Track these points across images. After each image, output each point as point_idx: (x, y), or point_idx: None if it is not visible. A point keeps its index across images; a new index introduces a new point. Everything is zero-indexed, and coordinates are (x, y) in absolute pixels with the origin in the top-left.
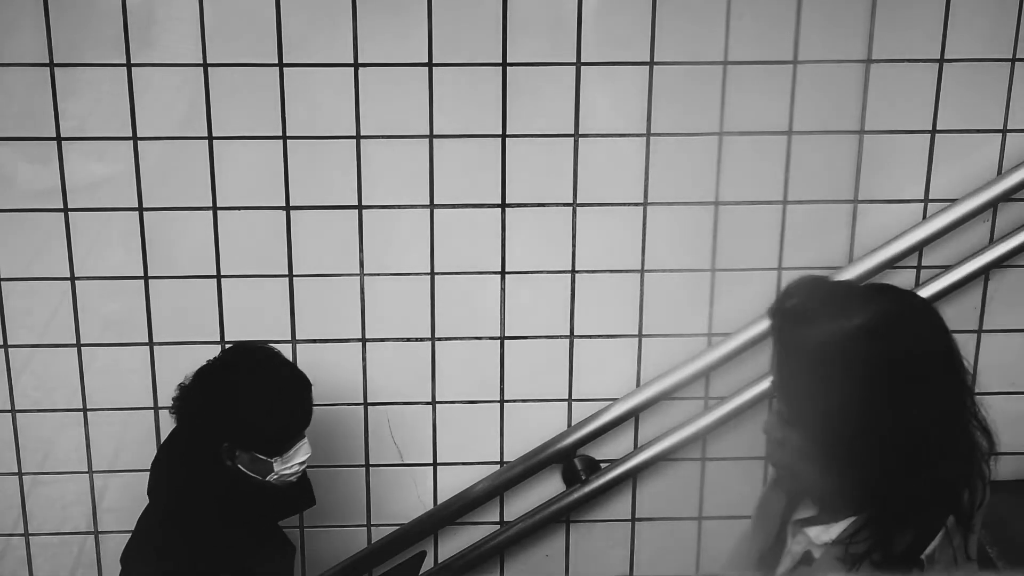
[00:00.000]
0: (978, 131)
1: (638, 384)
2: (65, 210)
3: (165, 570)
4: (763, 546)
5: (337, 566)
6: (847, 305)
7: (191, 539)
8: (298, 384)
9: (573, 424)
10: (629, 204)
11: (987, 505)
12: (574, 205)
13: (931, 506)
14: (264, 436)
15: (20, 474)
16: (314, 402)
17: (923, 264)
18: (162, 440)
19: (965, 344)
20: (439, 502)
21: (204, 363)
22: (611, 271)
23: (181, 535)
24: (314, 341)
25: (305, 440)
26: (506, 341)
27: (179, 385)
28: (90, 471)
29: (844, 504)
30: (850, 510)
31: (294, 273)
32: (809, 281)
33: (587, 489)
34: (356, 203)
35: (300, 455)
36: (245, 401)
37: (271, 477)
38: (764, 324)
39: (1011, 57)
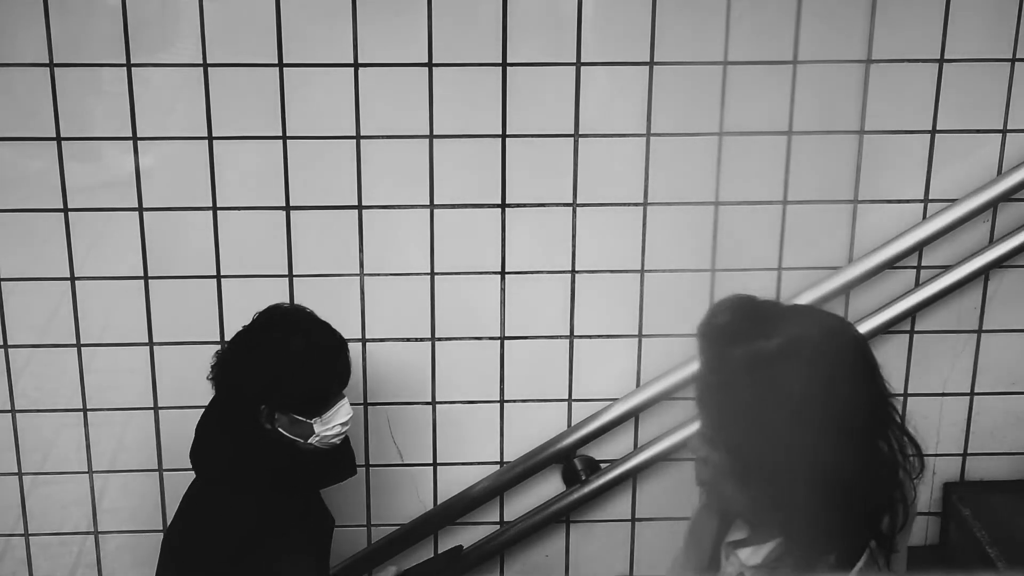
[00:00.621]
0: (978, 131)
1: (638, 384)
2: (65, 210)
3: (211, 536)
4: (697, 567)
5: (337, 566)
6: (768, 326)
7: (235, 504)
8: (333, 343)
9: (573, 424)
10: (629, 204)
11: (910, 526)
12: (574, 205)
13: (850, 531)
14: (300, 396)
15: (20, 474)
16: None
17: (923, 264)
18: (162, 441)
19: (965, 344)
20: (439, 502)
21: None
22: (611, 271)
23: (226, 501)
24: None
25: (345, 401)
26: (506, 341)
27: (215, 352)
28: (90, 471)
29: (767, 526)
30: (774, 532)
31: (294, 273)
32: (736, 300)
33: (587, 489)
34: (356, 203)
35: (340, 416)
36: (279, 361)
37: (313, 440)
38: None
39: (1011, 57)
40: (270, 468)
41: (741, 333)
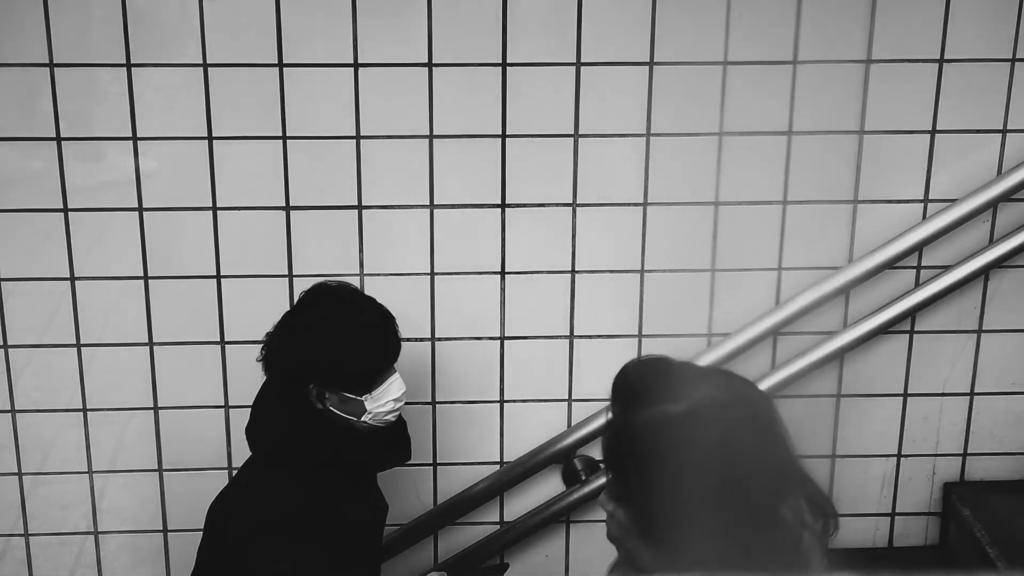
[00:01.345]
0: (978, 131)
1: None
2: (65, 210)
3: (263, 518)
4: None
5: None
6: (677, 389)
7: (284, 480)
8: (378, 318)
9: (573, 424)
10: (629, 204)
11: None
12: (574, 205)
13: None
14: (348, 374)
15: (20, 474)
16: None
17: (923, 264)
18: (162, 441)
19: (965, 344)
20: (439, 502)
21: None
22: (611, 271)
23: (276, 477)
24: None
25: (396, 376)
26: (506, 341)
27: (266, 334)
28: (90, 471)
29: None
30: None
31: (294, 273)
32: (649, 361)
33: (587, 489)
34: (356, 203)
35: (392, 391)
36: (325, 340)
37: (366, 417)
38: (764, 324)
39: (1011, 57)
40: (323, 448)
41: (650, 394)
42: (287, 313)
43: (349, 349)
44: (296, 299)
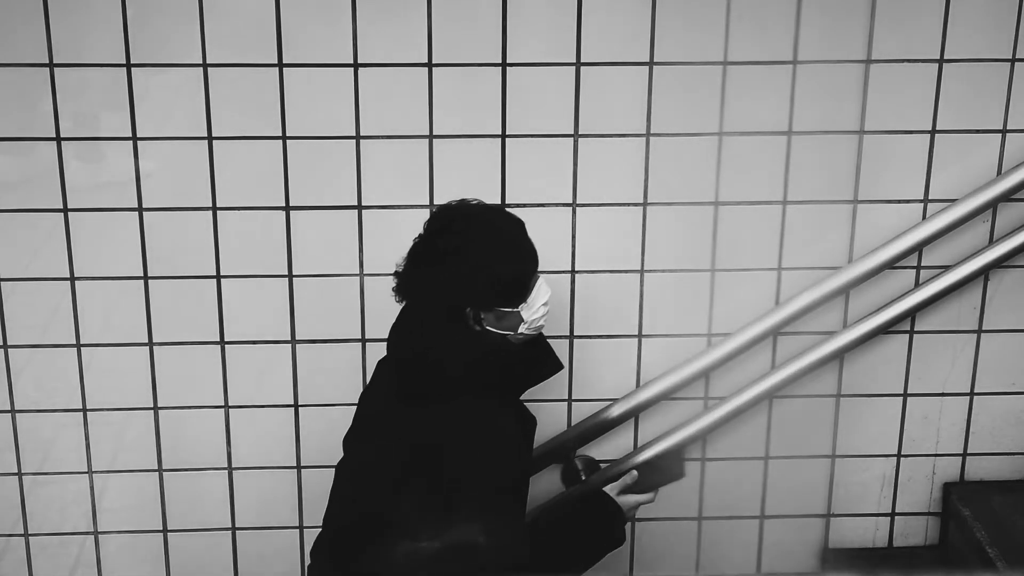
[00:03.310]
0: (978, 131)
1: (638, 384)
2: (65, 210)
3: (414, 442)
4: None
5: None
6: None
7: (441, 410)
8: (515, 225)
9: (573, 424)
10: (629, 204)
11: None
12: (574, 205)
13: None
14: (501, 288)
15: (20, 474)
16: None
17: (923, 264)
18: (162, 441)
19: (965, 344)
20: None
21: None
22: (611, 271)
23: (433, 406)
24: (314, 341)
25: (541, 279)
26: None
27: (394, 272)
28: (90, 471)
29: None
30: None
31: (294, 273)
32: None
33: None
34: (356, 203)
35: (542, 295)
36: (470, 261)
37: (523, 328)
38: (764, 324)
39: (1011, 57)
40: (490, 370)
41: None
42: (418, 243)
43: (501, 262)
44: (427, 222)
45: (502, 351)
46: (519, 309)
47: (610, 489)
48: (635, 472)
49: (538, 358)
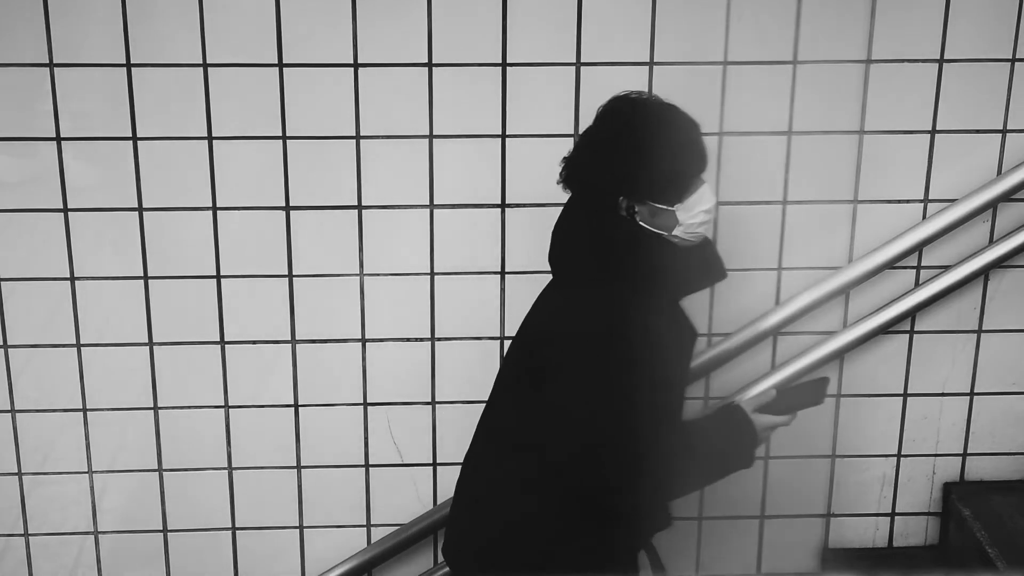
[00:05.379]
0: (978, 131)
1: None
2: (65, 210)
3: (588, 330)
4: None
5: (336, 567)
6: None
7: (599, 299)
8: (685, 121)
9: None
10: None
11: None
12: None
13: None
14: (658, 182)
15: (20, 474)
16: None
17: (923, 264)
18: (162, 441)
19: (965, 344)
20: (439, 502)
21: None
22: None
23: (591, 297)
24: (314, 341)
25: (707, 186)
26: (506, 341)
27: (563, 157)
28: (90, 471)
29: None
30: None
31: (294, 273)
32: None
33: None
34: (356, 203)
35: (704, 202)
36: (630, 149)
37: (677, 231)
38: (764, 324)
39: (1011, 57)
40: (637, 264)
41: None
42: (589, 129)
43: (659, 157)
44: (599, 109)
45: (651, 247)
46: (674, 208)
47: (745, 404)
48: (773, 391)
49: (695, 264)
